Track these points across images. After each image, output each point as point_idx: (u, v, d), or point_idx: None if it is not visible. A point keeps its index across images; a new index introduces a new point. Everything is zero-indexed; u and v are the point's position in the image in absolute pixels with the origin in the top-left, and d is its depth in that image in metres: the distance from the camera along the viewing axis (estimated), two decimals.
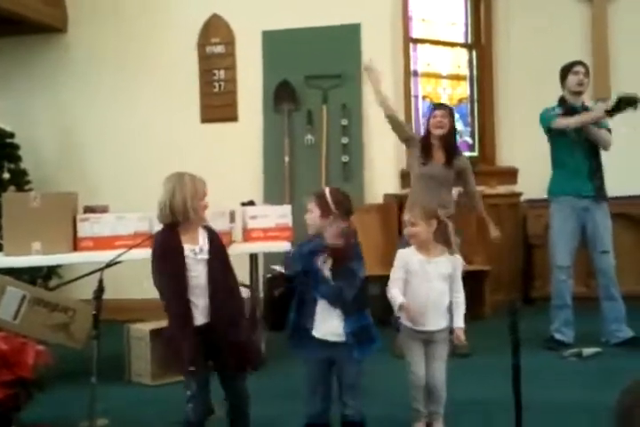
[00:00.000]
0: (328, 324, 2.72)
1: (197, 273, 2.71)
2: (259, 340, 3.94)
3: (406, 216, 3.10)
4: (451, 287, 3.06)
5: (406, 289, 3.00)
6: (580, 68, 4.55)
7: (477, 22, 6.74)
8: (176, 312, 2.67)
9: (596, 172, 4.51)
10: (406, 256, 3.05)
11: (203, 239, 2.78)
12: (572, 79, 4.53)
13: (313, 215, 2.76)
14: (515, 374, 2.55)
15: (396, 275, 3.03)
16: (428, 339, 3.05)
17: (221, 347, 2.70)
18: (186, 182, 2.73)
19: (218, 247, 2.81)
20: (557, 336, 4.48)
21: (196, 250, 2.73)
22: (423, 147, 4.47)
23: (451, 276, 3.05)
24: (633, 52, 6.37)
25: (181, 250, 2.69)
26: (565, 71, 4.59)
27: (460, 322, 3.05)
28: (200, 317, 2.70)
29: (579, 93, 4.55)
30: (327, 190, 2.84)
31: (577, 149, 4.49)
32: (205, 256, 2.74)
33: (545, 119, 4.57)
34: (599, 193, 4.51)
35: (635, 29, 6.37)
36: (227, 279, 2.80)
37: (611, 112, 4.27)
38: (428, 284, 3.00)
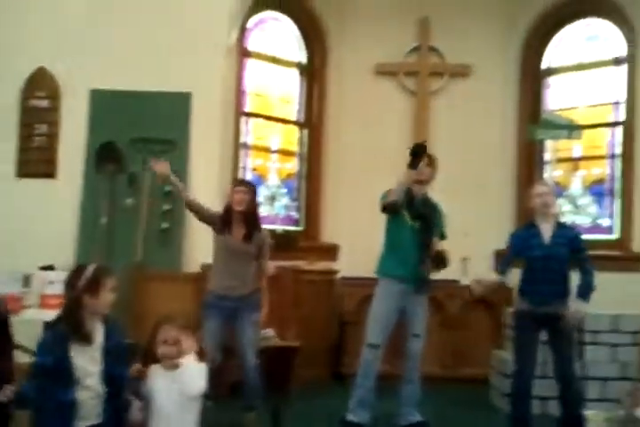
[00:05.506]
0: None
1: None
2: None
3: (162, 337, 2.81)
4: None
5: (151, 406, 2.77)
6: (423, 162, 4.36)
7: (310, 102, 7.00)
8: None
9: (424, 262, 4.52)
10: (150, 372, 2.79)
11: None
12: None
13: None
14: None
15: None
16: None
17: None
18: None
19: None
20: (350, 417, 4.47)
21: None
22: (223, 221, 4.46)
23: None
24: (449, 144, 6.81)
25: None
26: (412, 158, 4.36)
27: None
28: None
29: (418, 182, 4.54)
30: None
31: (409, 236, 4.53)
32: None
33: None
34: (421, 285, 4.54)
35: (452, 124, 6.88)
36: None
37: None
38: (169, 398, 2.76)
